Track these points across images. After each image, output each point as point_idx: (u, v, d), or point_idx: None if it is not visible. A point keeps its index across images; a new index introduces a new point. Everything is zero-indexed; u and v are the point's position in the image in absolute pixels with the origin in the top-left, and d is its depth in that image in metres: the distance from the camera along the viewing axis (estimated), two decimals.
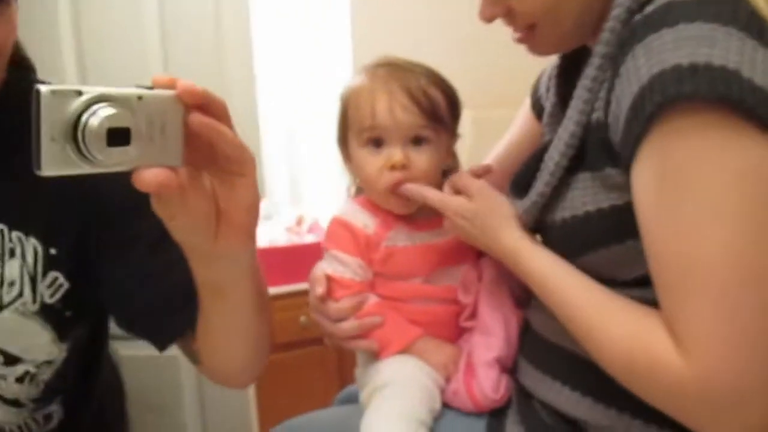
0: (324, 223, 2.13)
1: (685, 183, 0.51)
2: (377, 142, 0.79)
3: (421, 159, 0.78)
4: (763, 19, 0.51)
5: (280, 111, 2.31)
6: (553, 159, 0.63)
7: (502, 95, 1.63)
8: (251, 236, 0.54)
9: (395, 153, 0.77)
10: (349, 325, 0.80)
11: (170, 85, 0.44)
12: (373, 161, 0.79)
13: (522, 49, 0.70)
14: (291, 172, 2.34)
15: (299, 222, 2.12)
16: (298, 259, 1.90)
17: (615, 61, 0.57)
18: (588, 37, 0.67)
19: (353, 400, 0.94)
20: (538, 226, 0.69)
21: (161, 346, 0.72)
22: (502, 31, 0.70)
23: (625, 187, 0.57)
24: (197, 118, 0.45)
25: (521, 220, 0.69)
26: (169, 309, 0.68)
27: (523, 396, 0.73)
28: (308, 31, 2.05)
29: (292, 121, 2.29)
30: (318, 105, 2.08)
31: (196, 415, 1.34)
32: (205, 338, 0.67)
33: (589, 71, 0.61)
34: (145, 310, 0.70)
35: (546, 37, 0.67)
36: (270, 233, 2.00)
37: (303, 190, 2.31)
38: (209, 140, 0.46)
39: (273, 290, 1.90)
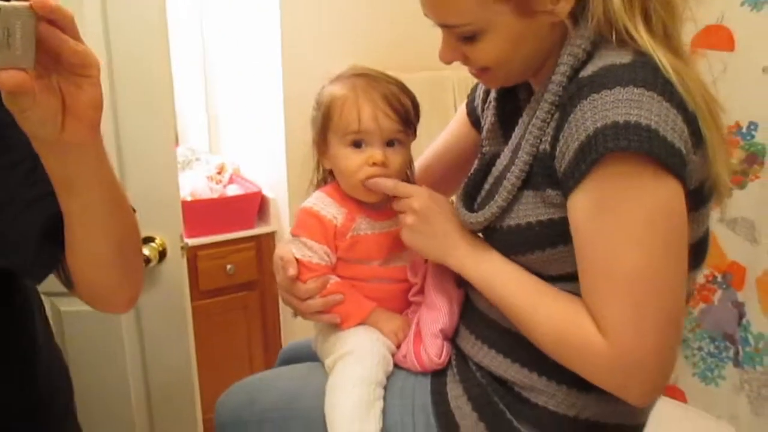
0: (245, 173, 2.18)
1: (613, 214, 0.67)
2: (358, 144, 0.89)
3: (396, 158, 0.90)
4: (672, 83, 0.67)
5: (198, 58, 2.28)
6: (510, 181, 0.76)
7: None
8: (95, 129, 0.63)
9: (376, 153, 0.88)
10: (315, 303, 0.92)
11: None
12: (355, 158, 0.89)
13: None
14: (209, 120, 2.33)
15: (220, 170, 2.14)
16: (223, 210, 1.95)
17: (565, 108, 0.71)
18: (530, 76, 0.81)
19: (299, 357, 1.07)
20: (485, 230, 0.83)
21: (39, 277, 0.75)
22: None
23: (560, 206, 0.72)
24: (44, 28, 0.53)
25: (470, 226, 0.83)
26: (45, 238, 0.71)
27: (461, 359, 0.89)
28: None
29: (210, 70, 2.27)
30: (237, 54, 2.08)
31: (138, 365, 1.39)
32: (70, 249, 0.71)
33: (540, 114, 0.74)
34: (21, 239, 0.71)
35: (496, 78, 0.81)
36: (191, 181, 2.00)
37: (222, 139, 2.32)
38: (55, 47, 0.55)
39: (199, 240, 1.96)
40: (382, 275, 0.94)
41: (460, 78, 1.95)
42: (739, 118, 1.75)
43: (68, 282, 0.76)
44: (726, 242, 1.81)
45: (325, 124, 0.91)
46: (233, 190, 2.06)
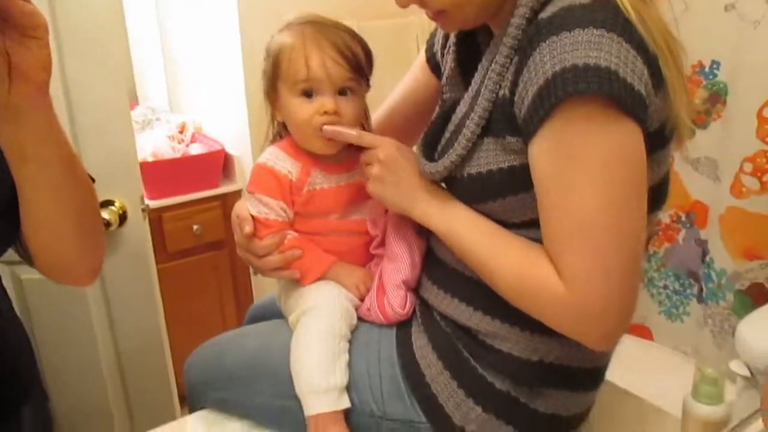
0: (208, 131, 2.14)
1: (573, 158, 0.66)
2: (308, 93, 0.86)
3: (348, 107, 0.87)
4: (632, 24, 0.65)
5: (152, 15, 2.20)
6: (470, 128, 0.75)
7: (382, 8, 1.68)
8: (45, 91, 0.62)
9: (327, 101, 0.86)
10: (273, 259, 0.91)
11: None
12: (306, 108, 0.87)
13: None
14: (168, 78, 2.27)
15: (182, 129, 2.09)
16: (186, 170, 1.92)
17: (524, 52, 0.69)
18: (488, 18, 0.78)
19: (266, 315, 1.07)
20: (446, 179, 0.81)
21: None
22: None
23: (521, 152, 0.71)
24: None
25: (430, 176, 0.81)
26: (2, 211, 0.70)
27: (425, 309, 0.89)
28: None
29: (166, 26, 2.19)
30: (193, 6, 2.01)
31: (106, 331, 1.38)
32: (26, 220, 0.70)
33: (499, 59, 0.72)
34: None
35: (453, 21, 0.78)
36: (152, 142, 1.96)
37: (182, 97, 2.26)
38: (2, 7, 0.54)
39: (164, 202, 1.94)
40: (341, 229, 0.93)
41: (423, 25, 1.91)
42: (702, 57, 1.74)
43: (27, 256, 0.74)
44: (689, 182, 1.83)
45: (275, 74, 0.89)
46: (196, 149, 2.02)
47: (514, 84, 0.70)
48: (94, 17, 1.17)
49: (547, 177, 0.68)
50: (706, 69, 1.74)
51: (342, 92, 0.87)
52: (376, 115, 1.04)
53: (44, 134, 0.64)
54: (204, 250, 1.98)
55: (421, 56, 1.00)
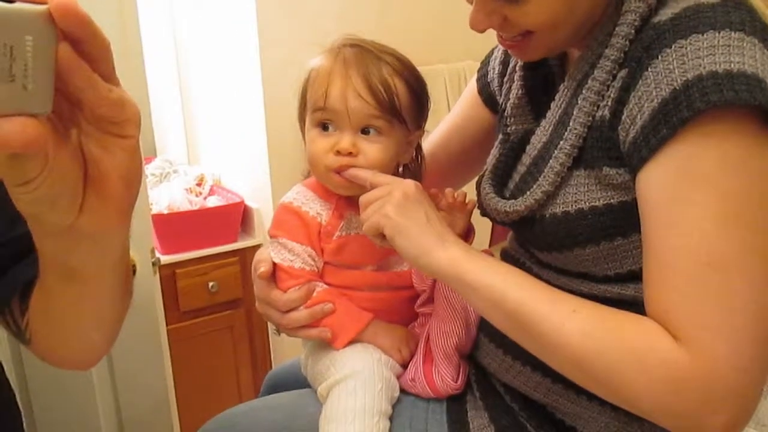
0: (227, 183, 2.07)
1: (702, 185, 0.53)
2: (325, 126, 0.76)
3: (372, 149, 0.75)
4: None
5: (173, 67, 2.16)
6: (559, 159, 0.63)
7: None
8: (126, 214, 0.42)
9: (343, 139, 0.75)
10: (299, 315, 0.77)
11: None
12: (321, 142, 0.76)
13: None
14: (187, 130, 2.21)
15: (200, 182, 2.03)
16: (203, 223, 1.85)
17: (638, 62, 0.58)
18: (575, 44, 0.68)
19: (287, 384, 0.93)
20: (521, 222, 0.69)
21: None
22: None
23: (621, 187, 0.59)
24: (67, 53, 0.33)
25: (505, 215, 0.68)
26: None
27: (483, 379, 0.75)
28: None
29: (185, 79, 2.15)
30: (214, 58, 1.96)
31: (109, 394, 1.27)
32: (45, 320, 0.56)
33: (599, 74, 0.61)
34: None
35: (536, 47, 0.66)
36: (169, 194, 1.91)
37: (201, 149, 2.20)
38: (78, 87, 0.35)
39: (179, 257, 1.85)
40: (378, 282, 0.80)
41: (451, 71, 1.89)
42: None
43: (20, 334, 0.60)
44: None
45: (303, 98, 0.79)
46: (214, 202, 1.94)
47: (619, 103, 0.59)
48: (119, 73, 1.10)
49: (663, 210, 0.55)
50: None
51: (365, 131, 0.75)
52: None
53: (108, 264, 0.48)
54: (219, 309, 1.88)
55: (471, 87, 0.90)
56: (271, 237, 0.79)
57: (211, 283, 1.82)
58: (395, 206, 0.68)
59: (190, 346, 1.79)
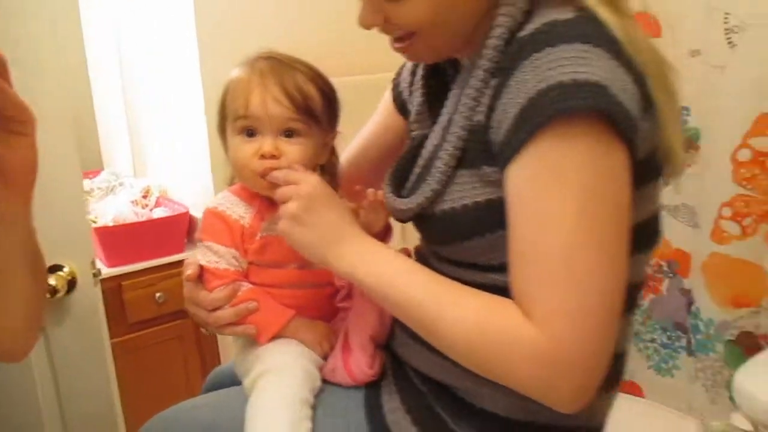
0: (173, 194, 2.07)
1: (553, 183, 0.59)
2: (250, 132, 0.80)
3: (293, 150, 0.80)
4: (618, 41, 0.60)
5: (117, 80, 2.16)
6: (443, 160, 0.68)
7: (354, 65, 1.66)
8: (29, 198, 0.54)
9: (266, 143, 0.79)
10: (224, 313, 0.82)
11: None
12: (246, 148, 0.81)
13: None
14: (132, 143, 2.22)
15: (146, 194, 2.03)
16: (149, 235, 1.84)
17: (504, 73, 0.63)
18: (458, 49, 0.74)
19: (224, 382, 0.97)
20: (416, 218, 0.74)
21: None
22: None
23: (499, 184, 0.64)
24: None
25: (400, 213, 0.73)
26: None
27: (397, 365, 0.80)
28: None
29: (130, 93, 2.15)
30: (157, 72, 1.98)
31: (53, 407, 1.26)
32: None
33: (473, 82, 0.67)
34: None
35: (421, 49, 0.72)
36: (115, 207, 1.90)
37: (147, 161, 2.20)
38: None
39: (126, 268, 1.84)
40: (301, 280, 0.85)
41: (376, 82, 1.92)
42: None
43: None
44: (669, 230, 1.79)
45: (222, 110, 0.84)
46: (160, 213, 1.94)
47: (491, 108, 0.64)
48: (58, 82, 1.11)
49: (522, 204, 0.61)
50: None
51: (288, 134, 0.81)
52: (340, 159, 0.98)
53: (18, 245, 0.56)
54: (167, 320, 1.87)
55: (387, 97, 0.96)
56: (198, 241, 0.84)
57: (158, 294, 1.81)
58: (298, 204, 0.74)
59: (139, 358, 1.78)
